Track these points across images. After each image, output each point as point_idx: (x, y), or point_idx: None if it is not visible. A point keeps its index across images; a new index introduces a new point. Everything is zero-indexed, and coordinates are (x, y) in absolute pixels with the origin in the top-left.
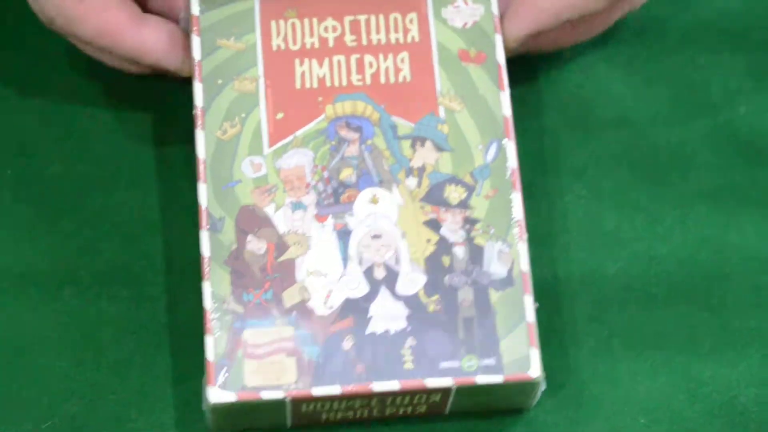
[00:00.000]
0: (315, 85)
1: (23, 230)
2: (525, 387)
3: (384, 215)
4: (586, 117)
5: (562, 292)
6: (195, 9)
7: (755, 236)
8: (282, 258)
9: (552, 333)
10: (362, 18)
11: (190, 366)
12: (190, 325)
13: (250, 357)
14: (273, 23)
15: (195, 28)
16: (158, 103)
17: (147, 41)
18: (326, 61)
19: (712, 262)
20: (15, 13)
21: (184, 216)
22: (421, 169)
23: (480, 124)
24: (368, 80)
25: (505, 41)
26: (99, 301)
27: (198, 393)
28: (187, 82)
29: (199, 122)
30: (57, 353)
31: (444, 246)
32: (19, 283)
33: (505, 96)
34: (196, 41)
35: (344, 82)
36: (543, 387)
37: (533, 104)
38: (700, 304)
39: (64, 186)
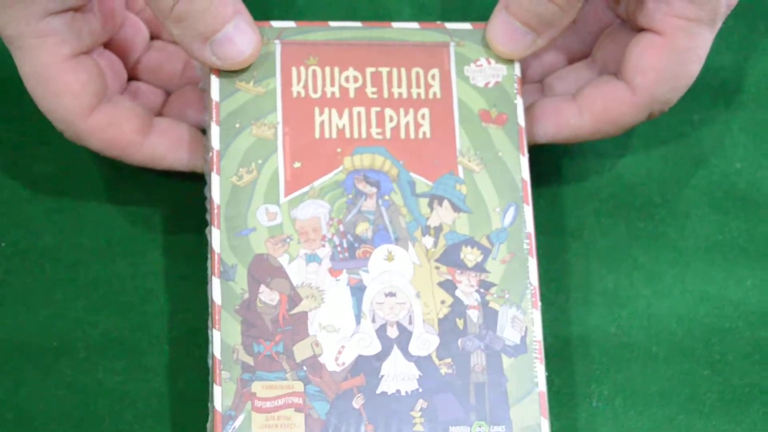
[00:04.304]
0: (334, 135)
1: (18, 302)
2: None
3: (399, 273)
4: (582, 176)
5: (562, 352)
6: None
7: (755, 290)
8: (294, 311)
9: (552, 393)
10: (384, 70)
11: None
12: (189, 395)
13: (259, 410)
14: (294, 69)
15: (215, 70)
16: (153, 171)
17: (156, 150)
18: (346, 112)
19: (712, 317)
20: (12, 82)
21: (181, 286)
22: (438, 229)
23: (498, 187)
24: (388, 134)
25: (527, 136)
26: (96, 373)
27: None
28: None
29: (214, 166)
30: (56, 426)
31: (458, 308)
32: (15, 356)
33: (525, 160)
34: (215, 83)
35: (364, 135)
36: None
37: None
38: (701, 362)
39: (58, 257)
